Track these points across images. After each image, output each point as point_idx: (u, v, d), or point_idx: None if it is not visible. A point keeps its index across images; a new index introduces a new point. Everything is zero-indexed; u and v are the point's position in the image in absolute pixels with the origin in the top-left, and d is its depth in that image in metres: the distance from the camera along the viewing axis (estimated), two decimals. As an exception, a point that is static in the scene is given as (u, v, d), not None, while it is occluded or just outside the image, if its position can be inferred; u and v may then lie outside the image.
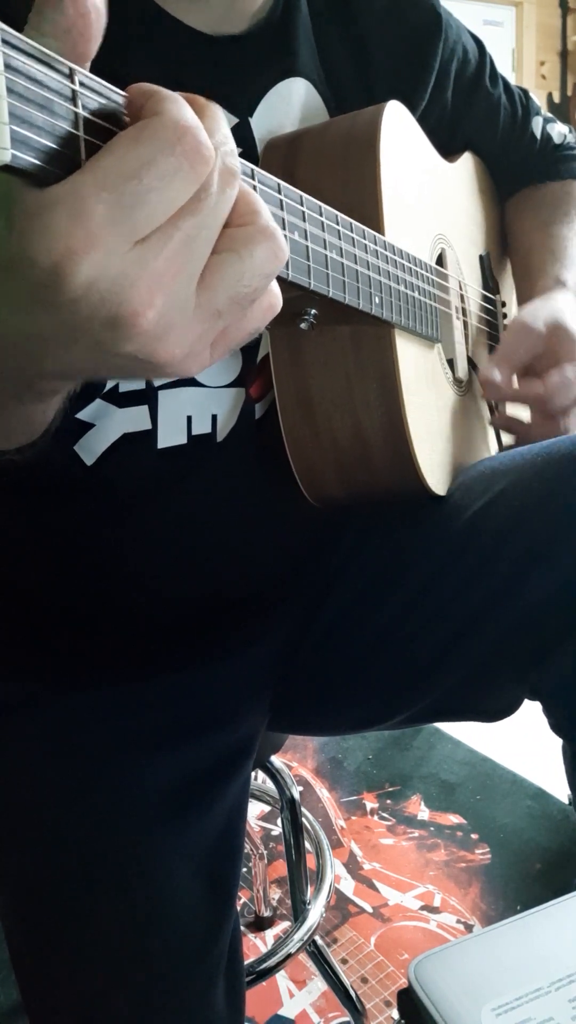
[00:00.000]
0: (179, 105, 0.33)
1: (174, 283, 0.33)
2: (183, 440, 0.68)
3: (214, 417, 0.68)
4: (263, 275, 0.36)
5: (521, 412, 0.86)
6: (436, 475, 0.73)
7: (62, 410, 0.47)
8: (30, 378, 0.38)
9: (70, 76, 0.32)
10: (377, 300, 0.62)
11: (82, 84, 0.32)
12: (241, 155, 0.62)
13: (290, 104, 0.70)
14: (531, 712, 0.79)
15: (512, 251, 0.99)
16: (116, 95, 0.34)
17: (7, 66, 0.29)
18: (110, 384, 0.64)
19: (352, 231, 0.57)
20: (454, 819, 1.57)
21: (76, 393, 0.45)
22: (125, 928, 0.61)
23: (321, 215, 0.52)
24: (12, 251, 0.31)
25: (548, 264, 0.88)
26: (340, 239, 0.55)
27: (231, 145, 0.35)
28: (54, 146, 0.31)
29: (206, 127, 0.34)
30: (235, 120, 0.66)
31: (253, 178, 0.44)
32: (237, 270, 0.35)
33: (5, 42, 0.29)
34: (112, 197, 0.31)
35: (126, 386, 0.65)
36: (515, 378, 0.79)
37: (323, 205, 0.53)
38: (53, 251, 0.30)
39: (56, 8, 0.31)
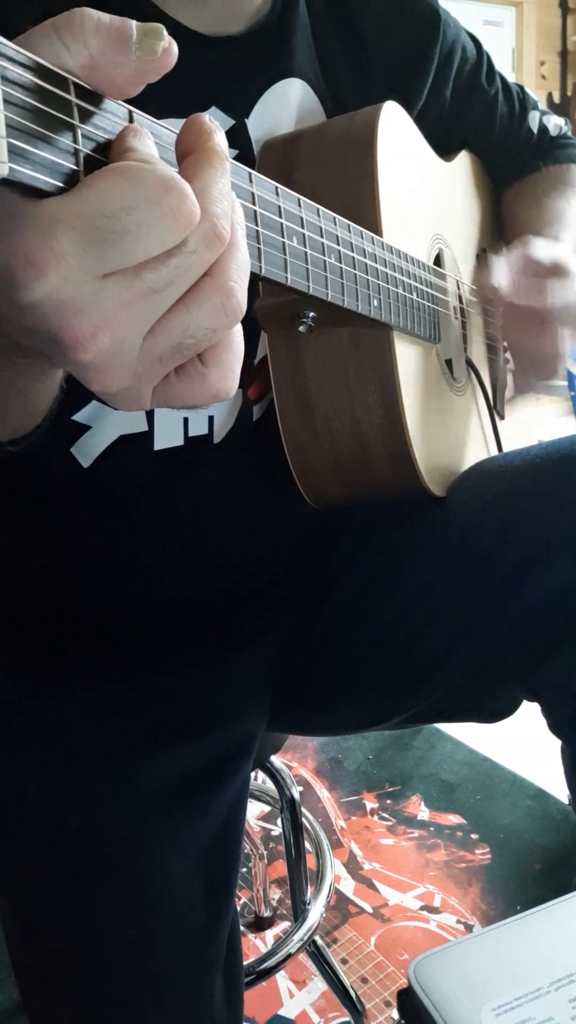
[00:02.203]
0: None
1: (124, 327, 0.33)
2: (180, 442, 0.68)
3: (211, 419, 0.69)
4: (209, 329, 0.35)
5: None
6: (435, 476, 0.73)
7: (58, 400, 0.47)
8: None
9: (69, 88, 0.31)
10: (375, 303, 0.62)
11: (80, 95, 0.32)
12: (237, 157, 0.62)
13: (287, 105, 0.70)
14: (531, 712, 0.79)
15: (507, 231, 0.99)
16: (120, 107, 0.34)
17: (3, 78, 0.28)
18: None
19: (350, 234, 0.57)
20: (454, 819, 1.57)
21: (67, 390, 0.45)
22: (123, 927, 0.61)
23: (319, 218, 0.52)
24: None
25: (543, 230, 0.88)
26: (338, 243, 0.55)
27: (224, 206, 0.34)
28: (54, 159, 0.31)
29: (202, 183, 0.33)
30: (231, 121, 0.66)
31: (251, 183, 0.44)
32: (184, 321, 0.34)
33: (1, 54, 0.28)
34: (84, 228, 0.30)
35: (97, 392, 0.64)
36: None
37: (321, 208, 0.53)
38: (15, 256, 0.30)
39: (120, 49, 0.31)
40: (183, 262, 0.33)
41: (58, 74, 0.31)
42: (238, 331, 0.37)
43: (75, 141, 0.32)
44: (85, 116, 0.32)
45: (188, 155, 0.35)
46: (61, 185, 0.31)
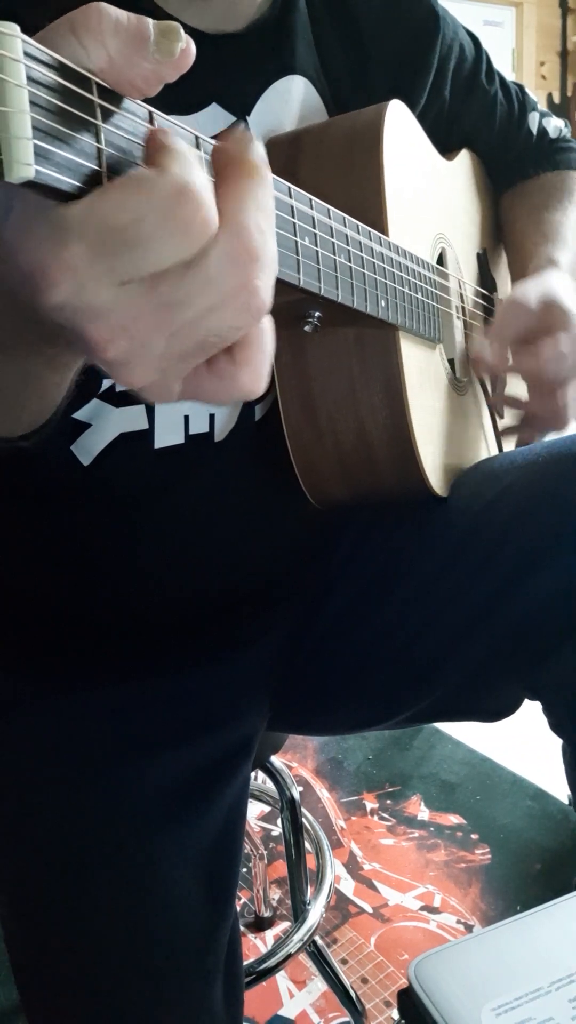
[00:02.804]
0: (188, 168, 0.31)
1: (143, 332, 0.32)
2: (180, 440, 0.67)
3: (212, 417, 0.68)
4: (233, 328, 0.34)
5: (519, 391, 0.86)
6: (438, 476, 0.73)
7: (69, 396, 0.47)
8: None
9: (92, 89, 0.31)
10: (383, 303, 0.62)
11: (102, 95, 0.31)
12: None
13: (288, 102, 0.70)
14: (531, 712, 0.79)
15: (505, 239, 0.99)
16: (140, 108, 0.34)
17: (29, 79, 0.28)
18: (107, 383, 0.64)
19: (359, 234, 0.57)
20: (454, 819, 1.57)
21: (74, 390, 0.45)
22: (123, 928, 0.61)
23: (329, 218, 0.52)
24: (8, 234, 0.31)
25: (540, 246, 0.87)
26: (348, 243, 0.55)
27: (257, 220, 0.33)
28: (78, 160, 0.30)
29: (238, 194, 0.33)
30: (232, 119, 0.66)
31: None
32: (207, 321, 0.34)
33: (27, 55, 0.28)
34: (93, 239, 0.30)
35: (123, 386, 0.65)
36: (509, 354, 0.78)
37: (331, 208, 0.53)
38: (33, 263, 0.31)
39: (138, 50, 0.31)
40: (204, 275, 0.32)
41: (82, 74, 0.31)
42: (269, 331, 0.36)
43: (98, 141, 0.31)
44: (107, 116, 0.32)
45: (226, 166, 0.34)
46: (83, 187, 0.31)
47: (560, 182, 0.95)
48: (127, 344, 0.32)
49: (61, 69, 0.30)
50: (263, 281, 0.34)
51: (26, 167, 0.28)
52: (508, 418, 0.91)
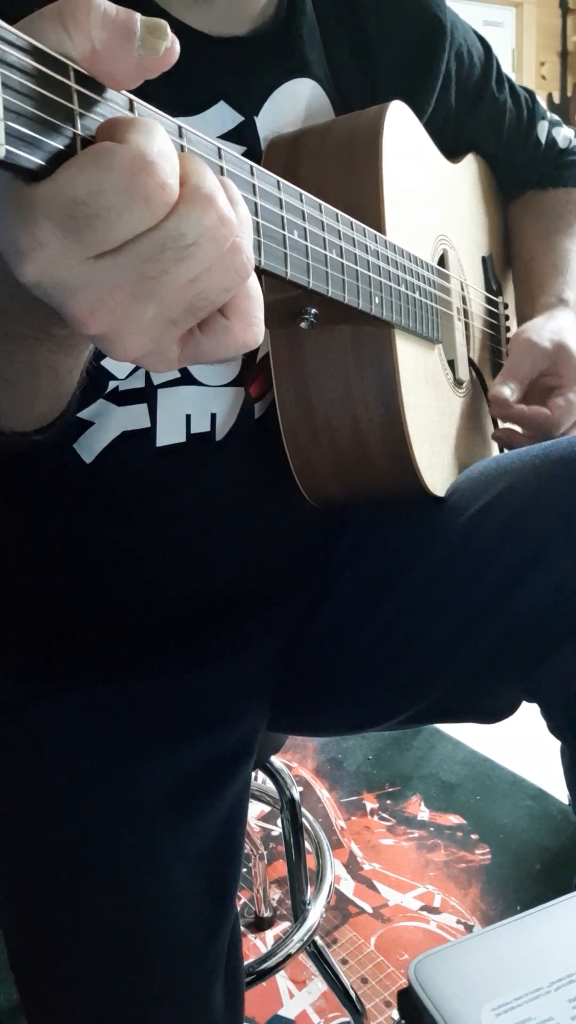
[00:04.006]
0: (148, 137, 0.32)
1: (123, 304, 0.33)
2: (182, 439, 0.68)
3: (213, 416, 0.68)
4: (220, 289, 0.35)
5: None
6: (435, 476, 0.73)
7: (82, 384, 0.47)
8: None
9: (68, 73, 0.31)
10: (377, 300, 0.62)
11: (80, 80, 0.32)
12: (245, 153, 0.62)
13: (296, 104, 0.70)
14: (531, 712, 0.79)
15: (514, 258, 0.99)
16: (120, 96, 0.34)
17: (3, 62, 0.29)
18: (112, 385, 0.64)
19: (352, 230, 0.57)
20: (454, 819, 1.57)
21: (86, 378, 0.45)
22: (123, 927, 0.61)
23: (321, 214, 0.52)
24: None
25: (550, 279, 0.88)
26: (340, 238, 0.55)
27: (221, 184, 0.34)
28: (52, 143, 0.31)
29: (189, 161, 0.33)
30: (240, 117, 0.66)
31: (252, 175, 0.44)
32: (192, 286, 0.34)
33: (1, 38, 0.29)
34: (59, 215, 0.31)
35: (126, 384, 0.65)
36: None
37: (323, 203, 0.53)
38: (6, 241, 0.31)
39: (124, 44, 0.32)
40: (180, 242, 0.33)
41: (58, 60, 0.31)
42: (254, 279, 0.36)
43: (73, 126, 0.32)
44: (85, 102, 0.32)
45: None
46: (57, 167, 0.31)
47: (569, 202, 0.95)
48: (110, 317, 0.33)
49: (36, 53, 0.30)
50: (242, 240, 0.34)
51: None
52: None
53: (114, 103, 0.34)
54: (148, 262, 0.32)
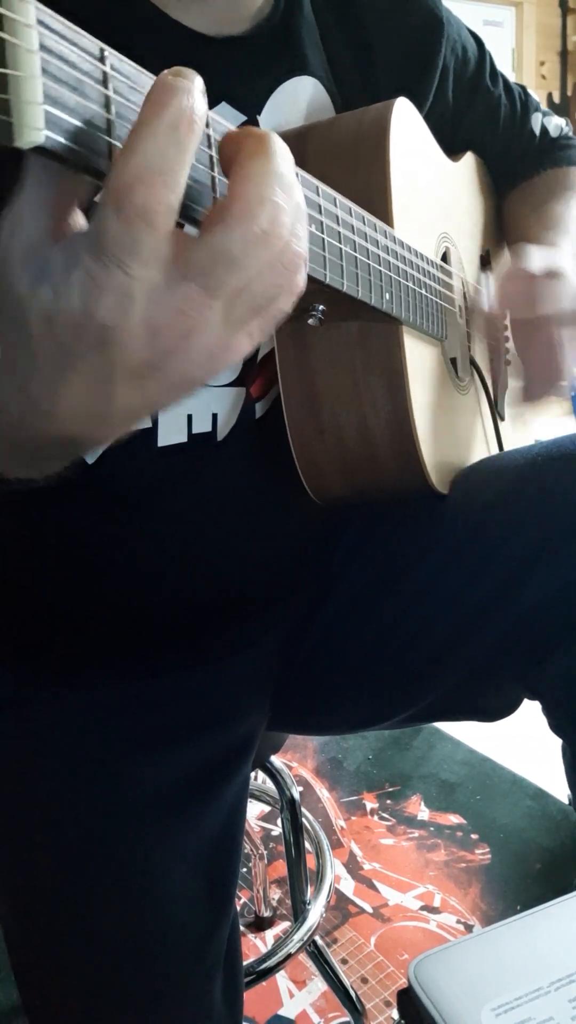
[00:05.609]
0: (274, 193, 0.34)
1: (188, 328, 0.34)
2: (183, 439, 0.67)
3: (214, 416, 0.68)
4: (275, 287, 0.36)
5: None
6: (440, 474, 0.73)
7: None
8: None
9: (101, 58, 0.31)
10: (388, 296, 0.61)
11: (113, 67, 0.32)
12: None
13: (297, 102, 0.70)
14: (531, 712, 0.79)
15: (508, 236, 0.99)
16: (146, 77, 0.34)
17: (42, 46, 0.28)
18: None
19: (366, 225, 0.57)
20: (454, 819, 1.57)
21: None
22: (123, 927, 0.61)
23: (336, 207, 0.52)
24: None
25: (541, 234, 0.87)
26: (354, 232, 0.55)
27: (265, 193, 0.35)
28: (88, 131, 0.31)
29: (237, 176, 0.35)
30: (243, 117, 0.66)
31: None
32: (251, 296, 0.36)
33: (40, 22, 0.28)
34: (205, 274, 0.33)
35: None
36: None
37: (338, 197, 0.53)
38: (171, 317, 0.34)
39: None
40: (238, 262, 0.34)
41: (93, 44, 0.31)
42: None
43: (108, 112, 0.32)
44: (119, 88, 0.32)
45: (233, 151, 0.36)
46: (92, 156, 0.31)
47: (562, 177, 0.95)
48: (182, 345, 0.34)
49: (73, 39, 0.30)
50: (294, 233, 0.36)
51: (36, 132, 0.29)
52: (506, 439, 0.92)
53: (145, 89, 0.34)
54: (212, 281, 0.34)
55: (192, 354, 0.35)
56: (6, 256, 0.33)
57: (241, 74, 0.66)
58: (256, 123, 0.67)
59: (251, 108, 0.66)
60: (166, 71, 0.33)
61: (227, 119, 0.65)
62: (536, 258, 0.77)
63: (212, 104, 0.64)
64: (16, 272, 0.33)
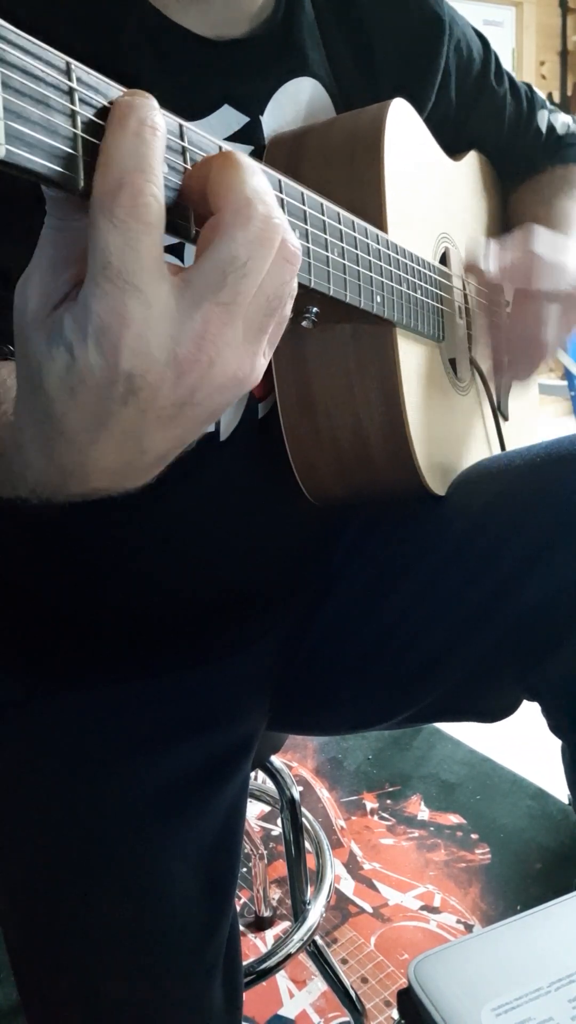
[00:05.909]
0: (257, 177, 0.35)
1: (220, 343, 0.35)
2: (185, 439, 0.67)
3: (217, 416, 0.68)
4: (281, 283, 0.37)
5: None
6: (436, 475, 0.73)
7: None
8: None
9: (67, 72, 0.31)
10: (378, 299, 0.62)
11: (79, 80, 0.32)
12: (252, 154, 0.62)
13: (298, 102, 0.70)
14: (531, 712, 0.79)
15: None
16: (115, 90, 0.34)
17: (2, 60, 0.28)
18: None
19: (354, 229, 0.57)
20: (454, 819, 1.57)
21: None
22: (122, 926, 0.61)
23: (323, 213, 0.52)
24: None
25: (547, 227, 0.88)
26: (341, 238, 0.55)
27: (247, 194, 0.35)
28: (51, 143, 0.31)
29: (215, 190, 0.35)
30: (245, 119, 0.66)
31: None
32: (264, 299, 0.36)
33: (1, 37, 0.28)
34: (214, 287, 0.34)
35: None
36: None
37: (324, 202, 0.53)
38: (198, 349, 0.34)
39: None
40: (244, 272, 0.35)
41: (59, 59, 0.31)
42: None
43: (74, 127, 0.32)
44: (85, 102, 0.32)
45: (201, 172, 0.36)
46: (58, 169, 0.31)
47: (569, 174, 0.95)
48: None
49: (38, 53, 0.30)
50: (283, 224, 0.36)
51: None
52: (507, 440, 0.91)
53: (111, 100, 0.34)
54: (226, 294, 0.35)
55: (218, 381, 0.35)
56: (21, 324, 0.33)
57: (242, 76, 0.66)
58: (258, 124, 0.67)
59: (253, 109, 0.66)
60: (123, 92, 0.34)
61: (229, 120, 0.65)
62: (543, 238, 0.77)
63: (215, 106, 0.64)
64: (33, 340, 0.33)
